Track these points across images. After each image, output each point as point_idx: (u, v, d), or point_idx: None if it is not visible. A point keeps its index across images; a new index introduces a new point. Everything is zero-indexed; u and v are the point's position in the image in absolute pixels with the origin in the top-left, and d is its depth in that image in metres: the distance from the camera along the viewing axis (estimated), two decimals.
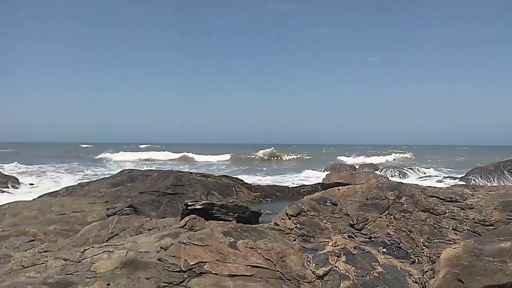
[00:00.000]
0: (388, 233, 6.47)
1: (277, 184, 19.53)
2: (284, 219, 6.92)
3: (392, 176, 25.38)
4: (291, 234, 6.44)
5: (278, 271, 4.92)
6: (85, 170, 32.79)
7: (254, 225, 6.95)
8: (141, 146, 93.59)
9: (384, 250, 5.83)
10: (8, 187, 22.75)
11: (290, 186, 18.11)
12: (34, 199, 13.49)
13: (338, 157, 55.52)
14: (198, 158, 52.99)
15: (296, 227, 6.65)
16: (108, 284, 4.42)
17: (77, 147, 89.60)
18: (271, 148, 54.88)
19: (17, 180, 25.36)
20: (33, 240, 7.24)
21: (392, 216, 6.82)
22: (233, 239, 5.41)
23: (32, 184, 24.16)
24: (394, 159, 53.65)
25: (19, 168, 33.41)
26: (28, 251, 6.37)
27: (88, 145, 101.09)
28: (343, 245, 5.71)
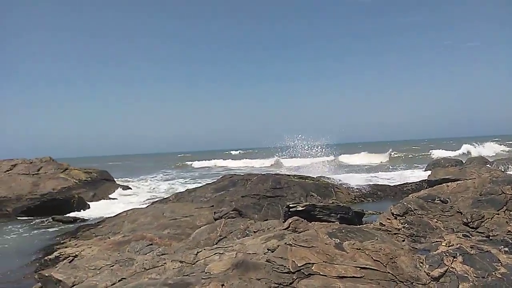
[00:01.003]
0: (509, 231, 5.92)
1: (377, 183, 18.87)
2: (390, 219, 6.67)
3: (505, 170, 23.06)
4: (399, 235, 6.18)
5: (389, 272, 4.76)
6: (186, 178, 34.90)
7: (359, 226, 6.81)
8: (233, 152, 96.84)
9: (506, 249, 5.33)
10: (122, 196, 25.16)
11: (391, 185, 17.41)
12: (148, 206, 14.68)
13: (432, 151, 51.70)
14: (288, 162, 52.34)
15: (404, 227, 6.37)
16: (223, 285, 4.65)
17: (174, 156, 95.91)
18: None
19: (130, 188, 27.91)
20: (151, 244, 7.88)
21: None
22: (338, 240, 5.35)
23: (136, 194, 26.42)
24: (503, 151, 48.20)
25: (128, 178, 36.72)
26: (147, 254, 6.94)
27: (184, 154, 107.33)
28: (458, 245, 5.34)
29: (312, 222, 6.61)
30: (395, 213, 6.72)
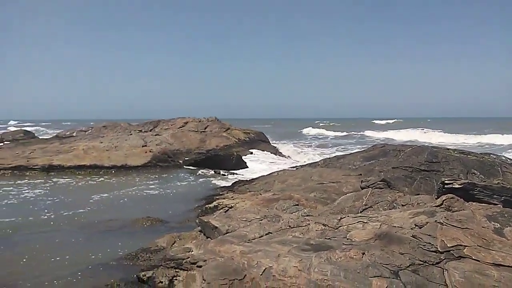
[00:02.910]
0: None
1: None
2: None
3: None
4: None
5: None
6: (334, 145, 34.76)
7: None
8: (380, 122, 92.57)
9: None
10: (274, 156, 26.47)
11: None
12: (297, 168, 15.20)
13: None
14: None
15: None
16: (363, 253, 4.63)
17: (311, 123, 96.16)
18: None
19: (280, 152, 29.18)
20: (297, 205, 8.22)
21: None
22: (499, 225, 4.78)
23: (288, 156, 27.37)
24: None
25: (281, 141, 38.32)
26: (293, 214, 7.28)
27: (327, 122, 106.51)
28: None
29: (469, 202, 6.02)
30: None
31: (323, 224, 5.95)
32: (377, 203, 7.48)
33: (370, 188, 8.56)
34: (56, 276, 6.14)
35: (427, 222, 5.08)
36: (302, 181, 11.60)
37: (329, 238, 5.40)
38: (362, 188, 9.08)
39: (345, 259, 4.62)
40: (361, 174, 11.56)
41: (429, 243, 4.60)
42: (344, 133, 53.19)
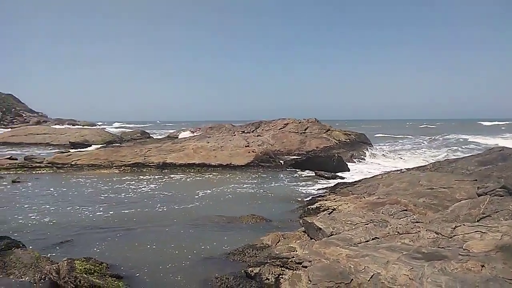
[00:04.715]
0: None
1: None
2: None
3: None
4: None
5: None
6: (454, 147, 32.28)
7: None
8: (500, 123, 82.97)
9: None
10: (377, 159, 25.52)
11: None
12: (403, 172, 14.52)
13: None
14: None
15: None
16: (483, 266, 4.29)
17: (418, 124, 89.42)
18: None
19: (384, 155, 28.01)
20: (406, 210, 7.86)
21: None
22: None
23: (391, 158, 26.11)
24: None
25: (383, 143, 36.73)
26: (401, 219, 6.98)
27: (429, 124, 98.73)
28: None
29: None
30: None
31: (435, 232, 5.63)
32: (497, 212, 6.85)
33: (489, 196, 7.86)
34: (171, 266, 6.67)
35: None
36: (409, 185, 11.05)
37: (442, 247, 5.09)
38: (479, 195, 8.37)
39: (462, 270, 4.32)
40: (476, 180, 10.65)
41: None
42: (445, 136, 48.53)
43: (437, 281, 4.24)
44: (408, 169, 15.46)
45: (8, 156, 21.70)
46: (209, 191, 13.94)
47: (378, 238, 5.91)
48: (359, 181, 13.85)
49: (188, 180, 16.99)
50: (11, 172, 18.10)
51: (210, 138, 28.52)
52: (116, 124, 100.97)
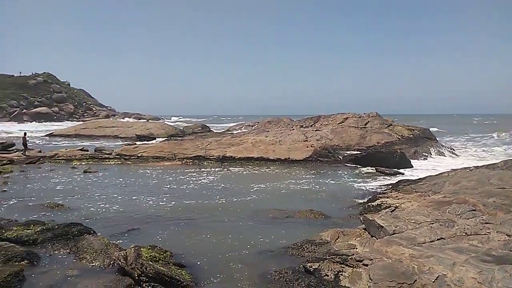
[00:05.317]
0: None
1: None
2: None
3: None
4: None
5: None
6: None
7: None
8: None
9: None
10: (444, 156, 24.33)
11: None
12: (471, 169, 13.75)
13: None
14: None
15: None
16: None
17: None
18: None
19: (453, 150, 26.66)
20: (474, 210, 7.44)
21: None
22: None
23: (458, 155, 24.76)
24: None
25: (451, 138, 34.87)
26: (469, 219, 6.62)
27: None
28: None
29: None
30: None
31: (507, 234, 5.31)
32: None
33: None
34: (230, 256, 6.82)
35: None
36: (478, 184, 10.42)
37: None
38: None
39: None
40: None
41: None
42: None
43: (509, 286, 4.00)
44: (476, 167, 14.62)
45: (80, 148, 23.26)
46: (266, 185, 14.06)
47: (444, 238, 5.67)
48: (423, 178, 13.30)
49: (245, 173, 17.24)
50: (83, 163, 19.36)
51: (268, 133, 28.68)
52: (174, 118, 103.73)
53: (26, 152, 21.13)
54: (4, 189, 12.70)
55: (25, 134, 22.77)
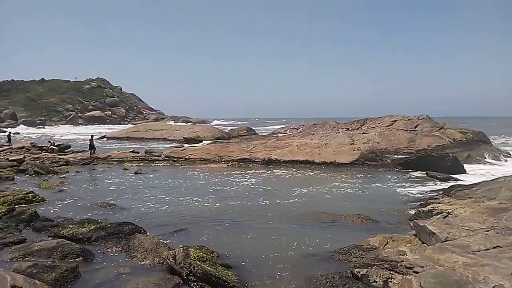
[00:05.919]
0: None
1: None
2: None
3: None
4: None
5: None
6: None
7: None
8: None
9: None
10: (500, 160, 23.06)
11: None
12: None
13: None
14: None
15: None
16: None
17: None
18: None
19: (509, 153, 25.23)
20: None
21: None
22: None
23: None
24: None
25: (507, 142, 32.98)
26: None
27: None
28: None
29: None
30: None
31: None
32: None
33: None
34: (276, 259, 6.82)
35: None
36: None
37: None
38: None
39: None
40: None
41: None
42: None
43: None
44: None
45: (132, 150, 24.15)
46: (312, 188, 13.96)
47: (501, 246, 5.40)
48: (478, 183, 12.70)
49: (291, 176, 17.21)
50: (134, 164, 20.11)
51: (313, 135, 28.46)
52: (216, 122, 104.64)
53: (93, 153, 22.17)
54: (60, 189, 13.41)
55: (92, 136, 23.82)
